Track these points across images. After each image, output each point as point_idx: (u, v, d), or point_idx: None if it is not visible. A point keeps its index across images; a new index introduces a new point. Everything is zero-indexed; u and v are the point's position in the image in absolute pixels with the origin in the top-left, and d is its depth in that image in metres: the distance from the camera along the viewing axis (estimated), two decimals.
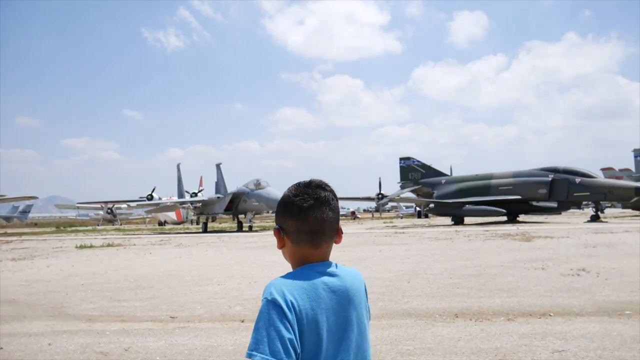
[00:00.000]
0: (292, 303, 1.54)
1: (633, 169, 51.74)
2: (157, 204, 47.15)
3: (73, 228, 55.28)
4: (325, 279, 1.65)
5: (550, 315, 6.36)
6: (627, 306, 6.73)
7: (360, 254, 14.95)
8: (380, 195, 55.41)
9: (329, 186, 1.77)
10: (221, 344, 5.38)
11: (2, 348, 5.46)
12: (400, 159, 51.12)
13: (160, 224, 63.85)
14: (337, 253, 15.24)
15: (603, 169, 59.20)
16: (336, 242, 1.77)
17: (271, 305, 1.53)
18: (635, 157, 49.92)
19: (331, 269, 1.69)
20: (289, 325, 1.51)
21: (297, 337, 1.52)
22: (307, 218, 1.68)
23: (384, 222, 49.97)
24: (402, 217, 70.95)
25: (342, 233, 1.79)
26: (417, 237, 22.37)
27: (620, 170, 58.90)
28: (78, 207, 73.80)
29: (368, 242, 20.31)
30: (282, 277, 1.65)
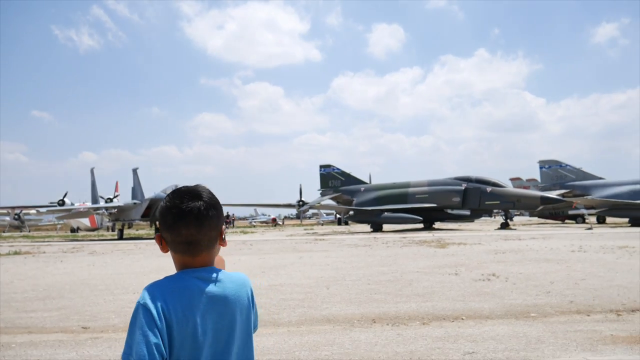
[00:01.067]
0: (162, 308, 1.53)
1: (539, 179, 54.67)
2: (69, 210, 45.10)
3: None
4: (203, 285, 1.63)
5: (462, 318, 6.63)
6: (533, 309, 7.13)
7: (280, 261, 14.96)
8: (300, 202, 55.64)
9: (206, 193, 1.72)
10: None
11: None
12: (321, 166, 51.66)
13: (73, 230, 61.08)
14: (257, 260, 15.25)
15: (512, 179, 62.31)
16: (222, 245, 1.77)
17: (142, 309, 1.53)
18: (541, 167, 52.80)
19: (211, 275, 1.67)
20: (156, 331, 1.50)
21: (166, 343, 1.52)
22: (181, 231, 1.65)
23: (305, 229, 50.25)
24: (322, 224, 71.62)
25: (223, 237, 1.77)
26: (337, 244, 22.65)
27: (527, 180, 62.13)
28: None
29: (289, 248, 20.35)
30: (159, 280, 1.63)
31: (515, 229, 35.31)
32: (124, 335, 6.09)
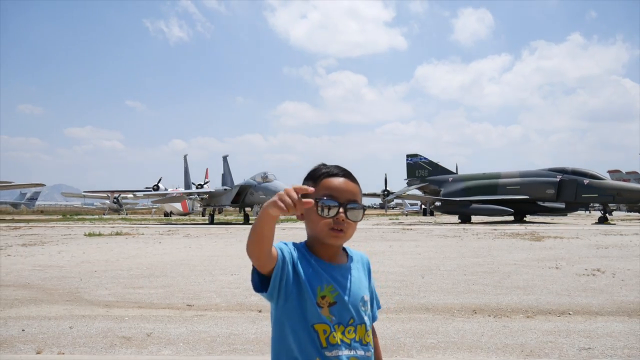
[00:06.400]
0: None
1: None
2: (164, 195, 47.24)
3: (79, 216, 55.46)
4: None
5: (569, 313, 6.32)
6: None
7: (370, 249, 14.92)
8: (386, 192, 55.22)
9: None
10: (243, 332, 5.37)
11: (23, 330, 5.46)
12: (408, 155, 51.01)
13: (166, 214, 63.95)
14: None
15: (610, 171, 58.98)
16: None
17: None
18: None
19: None
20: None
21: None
22: None
23: (390, 219, 49.91)
24: (407, 214, 70.93)
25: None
26: (426, 234, 22.33)
27: (628, 172, 58.72)
28: (84, 196, 74.05)
29: (377, 237, 20.29)
30: None
31: (614, 224, 33.40)
32: (227, 314, 6.31)
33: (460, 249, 15.04)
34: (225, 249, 15.32)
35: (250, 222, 38.79)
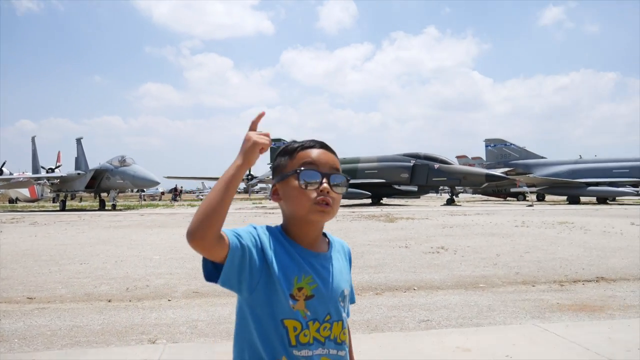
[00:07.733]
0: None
1: (484, 157, 56.07)
2: (8, 180, 43.31)
3: None
4: None
5: (414, 289, 6.75)
6: (481, 280, 7.34)
7: None
8: (249, 176, 55.19)
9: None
10: (87, 324, 5.09)
11: None
12: (271, 140, 51.23)
13: (11, 201, 58.87)
14: None
15: (458, 157, 63.52)
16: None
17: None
18: (486, 146, 54.12)
19: None
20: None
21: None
22: None
23: (253, 203, 50.02)
24: (270, 199, 71.40)
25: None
26: None
27: (473, 158, 63.53)
28: None
29: (238, 221, 20.20)
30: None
31: (460, 205, 36.18)
32: (72, 306, 5.96)
33: None
34: (76, 237, 14.42)
35: (106, 208, 36.89)
